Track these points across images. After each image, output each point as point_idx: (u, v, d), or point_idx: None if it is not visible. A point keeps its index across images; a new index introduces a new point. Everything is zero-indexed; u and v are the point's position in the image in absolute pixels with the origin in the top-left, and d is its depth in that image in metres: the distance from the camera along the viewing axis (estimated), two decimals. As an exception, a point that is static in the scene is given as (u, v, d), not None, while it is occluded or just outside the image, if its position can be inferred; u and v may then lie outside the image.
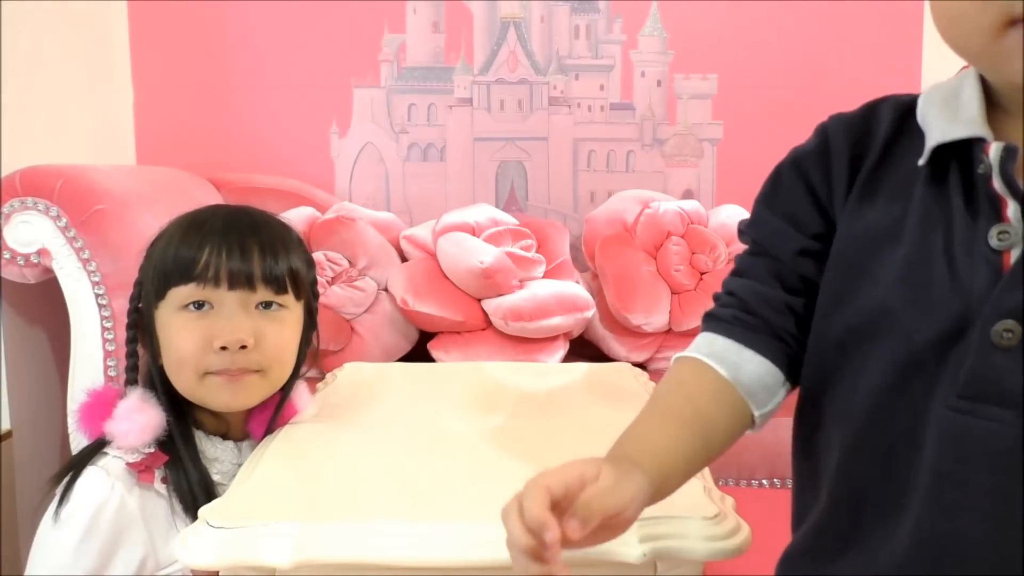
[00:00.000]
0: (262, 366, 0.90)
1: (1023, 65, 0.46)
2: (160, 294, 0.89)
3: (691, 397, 0.58)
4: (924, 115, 0.53)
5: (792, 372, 0.59)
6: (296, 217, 1.74)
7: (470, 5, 2.00)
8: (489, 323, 1.65)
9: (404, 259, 1.77)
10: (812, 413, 0.57)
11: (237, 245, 0.88)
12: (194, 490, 0.87)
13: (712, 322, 0.61)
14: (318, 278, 1.62)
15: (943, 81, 0.54)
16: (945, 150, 0.50)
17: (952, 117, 0.51)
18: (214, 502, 0.75)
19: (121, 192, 1.46)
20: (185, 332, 0.88)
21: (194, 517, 0.84)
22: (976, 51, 0.48)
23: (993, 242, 0.47)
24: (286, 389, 0.96)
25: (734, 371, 0.58)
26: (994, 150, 0.48)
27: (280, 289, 0.90)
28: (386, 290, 1.71)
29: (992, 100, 0.51)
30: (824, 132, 0.57)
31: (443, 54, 2.00)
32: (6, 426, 1.48)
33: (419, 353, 1.69)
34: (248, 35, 1.97)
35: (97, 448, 0.88)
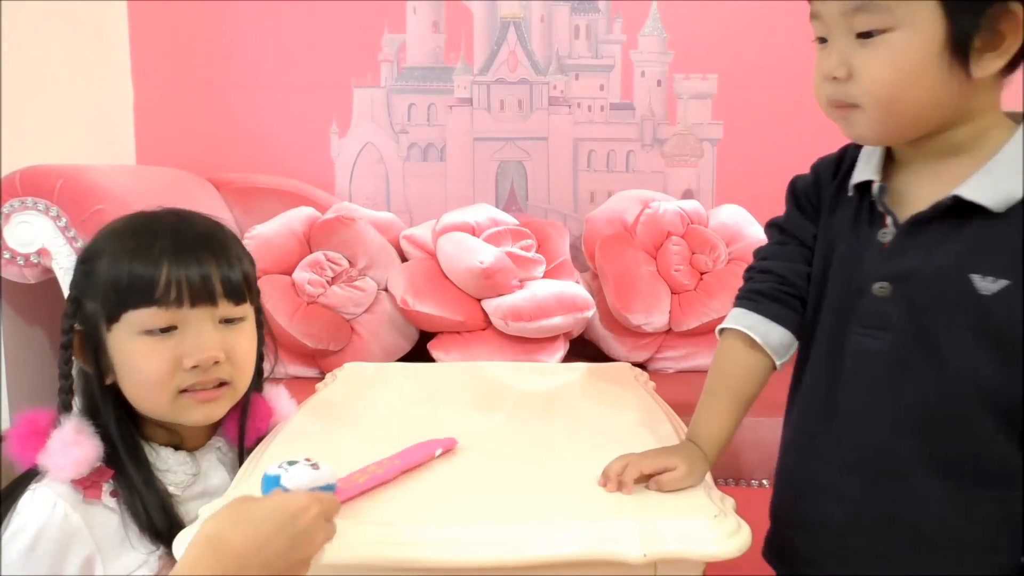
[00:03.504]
0: (231, 377, 0.89)
1: (843, 130, 0.76)
2: (113, 317, 0.85)
3: (734, 379, 0.85)
4: (859, 160, 0.81)
5: (799, 333, 0.85)
6: (296, 217, 1.74)
7: (470, 5, 2.00)
8: (489, 323, 1.65)
9: (404, 259, 1.77)
10: (801, 348, 0.86)
11: (195, 261, 0.85)
12: (146, 504, 0.84)
13: (746, 299, 0.86)
14: (317, 277, 1.64)
15: None
16: (861, 184, 0.80)
17: (867, 164, 0.80)
18: (214, 502, 0.75)
19: (121, 192, 1.46)
20: (152, 355, 0.84)
21: (148, 530, 0.84)
22: (827, 115, 0.77)
23: (879, 237, 0.77)
24: (250, 389, 0.95)
25: (764, 337, 0.84)
26: (876, 187, 0.78)
27: (240, 300, 0.89)
28: (386, 290, 1.71)
29: (892, 155, 0.80)
30: (816, 169, 0.87)
31: (443, 54, 2.00)
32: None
33: (419, 353, 1.69)
34: (248, 35, 1.97)
35: (30, 478, 0.84)
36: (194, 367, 0.85)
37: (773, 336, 0.84)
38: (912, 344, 0.74)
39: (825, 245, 0.83)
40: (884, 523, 0.76)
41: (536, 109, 2.01)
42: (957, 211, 0.72)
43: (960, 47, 0.69)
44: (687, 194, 2.01)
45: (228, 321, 0.88)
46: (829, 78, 0.73)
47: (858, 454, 0.77)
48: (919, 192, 0.76)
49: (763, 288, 0.85)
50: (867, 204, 0.79)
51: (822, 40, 0.75)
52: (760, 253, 0.90)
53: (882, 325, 0.75)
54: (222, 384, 0.88)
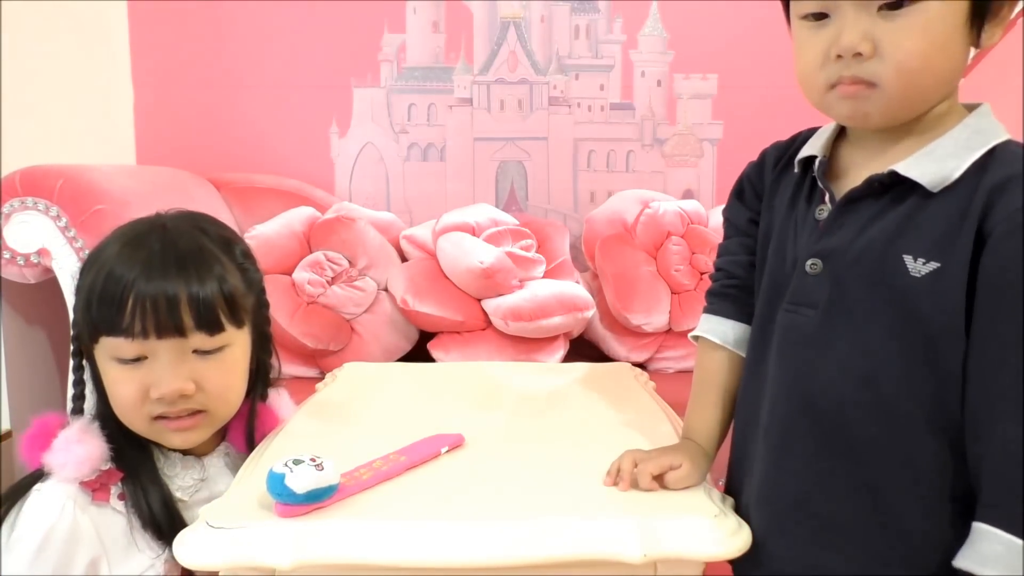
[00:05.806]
0: (206, 406, 0.87)
1: (841, 112, 0.75)
2: (93, 338, 0.85)
3: (710, 374, 0.88)
4: (809, 140, 0.82)
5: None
6: (296, 217, 1.74)
7: (470, 5, 2.00)
8: (489, 323, 1.65)
9: (404, 259, 1.77)
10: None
11: (163, 294, 0.82)
12: (153, 507, 0.85)
13: (707, 302, 0.90)
14: (317, 277, 1.64)
15: None
16: (805, 160, 0.80)
17: (814, 142, 0.80)
18: (214, 502, 0.76)
19: (121, 192, 1.46)
20: (122, 383, 0.85)
21: (154, 533, 0.84)
22: (816, 101, 0.76)
23: (816, 215, 0.77)
24: (254, 398, 0.95)
25: (723, 337, 0.87)
26: (816, 163, 0.78)
27: (214, 330, 0.85)
28: (386, 290, 1.71)
29: (845, 133, 0.80)
30: (763, 154, 0.88)
31: (443, 54, 2.00)
32: (6, 426, 1.48)
33: (419, 353, 1.69)
34: (248, 35, 1.97)
35: (35, 479, 0.84)
36: (160, 398, 0.84)
37: (730, 334, 0.86)
38: (834, 323, 0.73)
39: (766, 225, 0.84)
40: (793, 506, 0.75)
41: (536, 109, 2.01)
42: (893, 189, 0.72)
43: (979, 14, 0.70)
44: (687, 194, 2.01)
45: (203, 352, 0.86)
46: (848, 55, 0.70)
47: (772, 432, 0.77)
48: (860, 171, 0.75)
49: (715, 288, 0.89)
50: (808, 182, 0.79)
51: (817, 16, 0.72)
52: (718, 250, 0.92)
53: (810, 302, 0.75)
54: (197, 412, 0.87)
